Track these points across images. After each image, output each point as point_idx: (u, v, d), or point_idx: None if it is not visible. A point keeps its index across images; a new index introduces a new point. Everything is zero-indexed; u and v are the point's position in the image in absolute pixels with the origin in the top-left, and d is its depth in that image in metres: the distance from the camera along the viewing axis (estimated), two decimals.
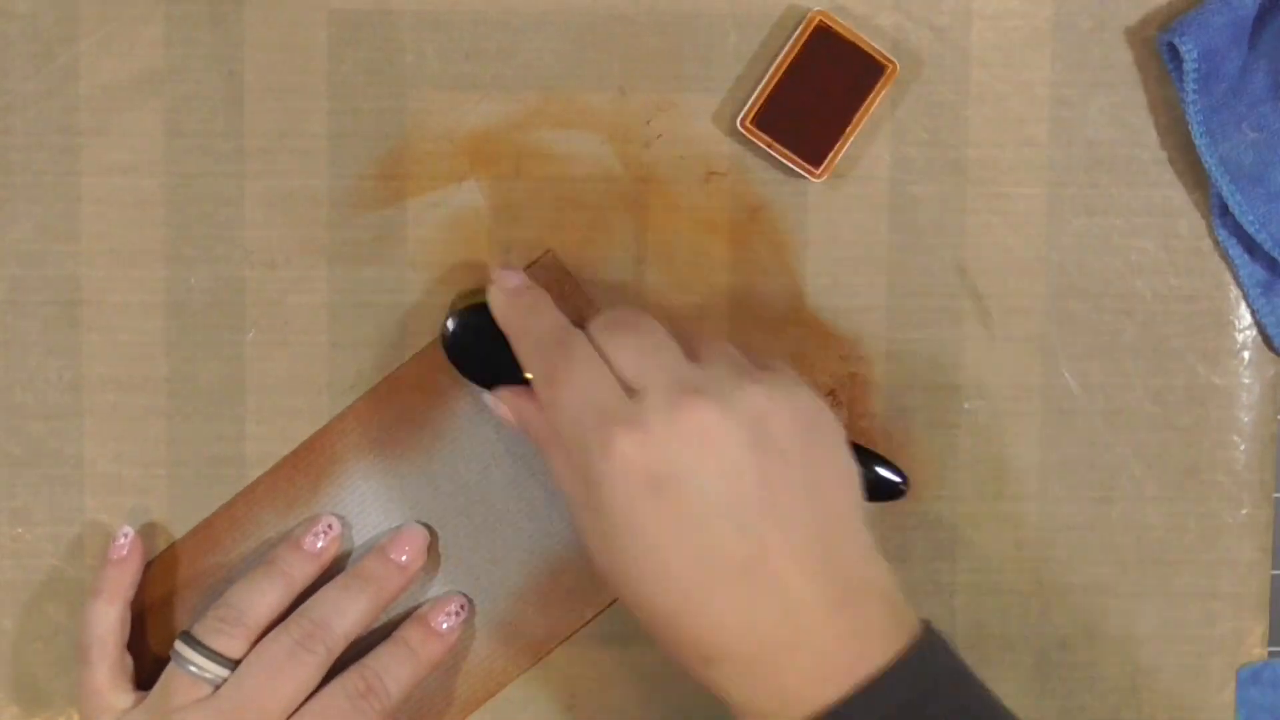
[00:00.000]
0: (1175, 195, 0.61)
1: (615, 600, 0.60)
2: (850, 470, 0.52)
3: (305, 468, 0.60)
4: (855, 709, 0.49)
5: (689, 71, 0.60)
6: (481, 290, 0.58)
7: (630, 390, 0.51)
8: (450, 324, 0.59)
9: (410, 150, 0.60)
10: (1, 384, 0.60)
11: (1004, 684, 0.61)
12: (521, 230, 0.60)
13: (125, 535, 0.59)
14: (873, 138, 0.60)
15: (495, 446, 0.60)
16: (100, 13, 0.59)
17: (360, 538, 0.60)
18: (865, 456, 0.59)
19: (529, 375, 0.54)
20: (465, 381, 0.59)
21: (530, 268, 0.60)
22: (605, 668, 0.61)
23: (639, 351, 0.51)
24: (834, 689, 0.49)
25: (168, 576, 0.61)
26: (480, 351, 0.58)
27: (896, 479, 0.60)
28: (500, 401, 0.57)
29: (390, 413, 0.60)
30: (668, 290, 0.60)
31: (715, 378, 0.51)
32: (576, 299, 0.60)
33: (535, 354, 0.54)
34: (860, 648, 0.49)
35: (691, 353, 0.52)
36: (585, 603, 0.60)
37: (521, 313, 0.56)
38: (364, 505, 0.60)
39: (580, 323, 0.54)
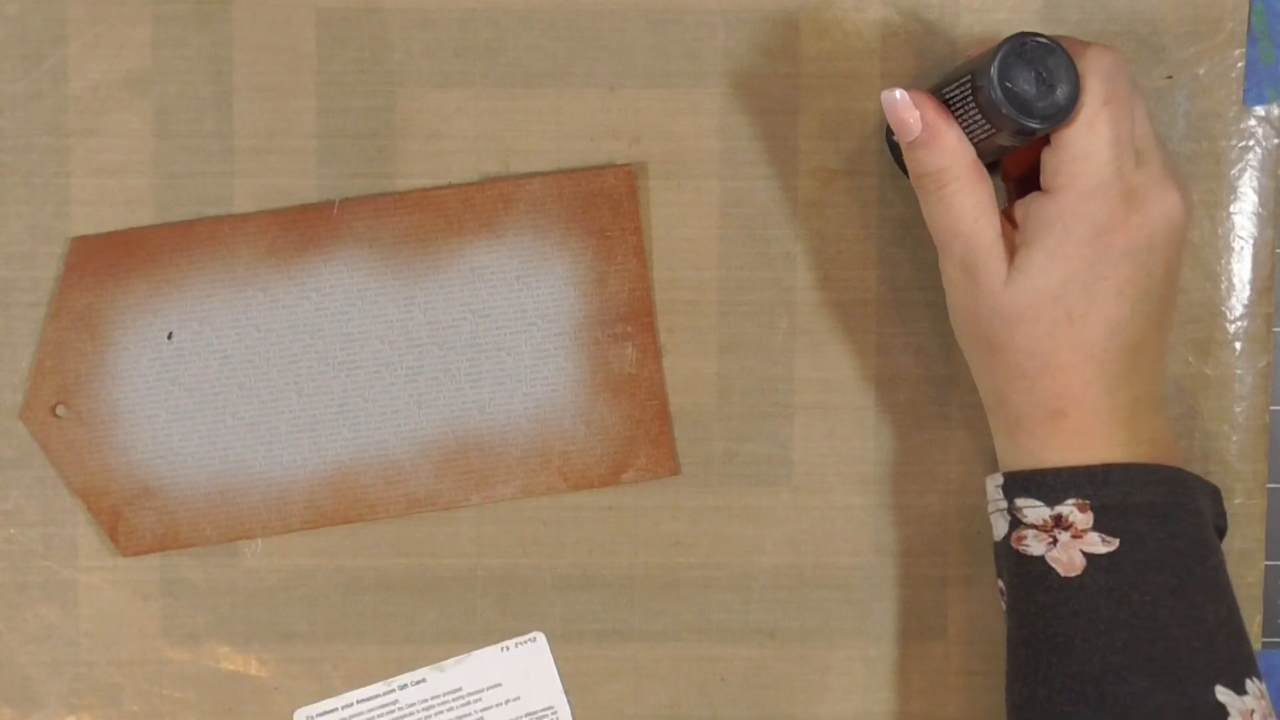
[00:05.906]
0: None
1: (484, 502, 0.60)
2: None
3: (303, 226, 0.59)
4: (1119, 474, 0.53)
5: (678, 68, 0.60)
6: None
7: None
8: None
9: (399, 148, 0.60)
10: None
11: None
12: None
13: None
14: (862, 132, 0.60)
15: (483, 305, 0.60)
16: (88, 14, 0.59)
17: (320, 320, 0.60)
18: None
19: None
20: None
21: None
22: (600, 664, 0.61)
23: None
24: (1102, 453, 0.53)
25: (128, 251, 0.59)
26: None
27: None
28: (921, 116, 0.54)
29: (406, 225, 0.60)
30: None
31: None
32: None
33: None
34: (1129, 435, 0.54)
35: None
36: (474, 489, 0.60)
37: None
38: (334, 290, 0.60)
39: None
